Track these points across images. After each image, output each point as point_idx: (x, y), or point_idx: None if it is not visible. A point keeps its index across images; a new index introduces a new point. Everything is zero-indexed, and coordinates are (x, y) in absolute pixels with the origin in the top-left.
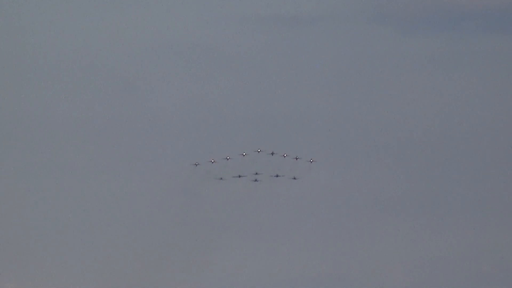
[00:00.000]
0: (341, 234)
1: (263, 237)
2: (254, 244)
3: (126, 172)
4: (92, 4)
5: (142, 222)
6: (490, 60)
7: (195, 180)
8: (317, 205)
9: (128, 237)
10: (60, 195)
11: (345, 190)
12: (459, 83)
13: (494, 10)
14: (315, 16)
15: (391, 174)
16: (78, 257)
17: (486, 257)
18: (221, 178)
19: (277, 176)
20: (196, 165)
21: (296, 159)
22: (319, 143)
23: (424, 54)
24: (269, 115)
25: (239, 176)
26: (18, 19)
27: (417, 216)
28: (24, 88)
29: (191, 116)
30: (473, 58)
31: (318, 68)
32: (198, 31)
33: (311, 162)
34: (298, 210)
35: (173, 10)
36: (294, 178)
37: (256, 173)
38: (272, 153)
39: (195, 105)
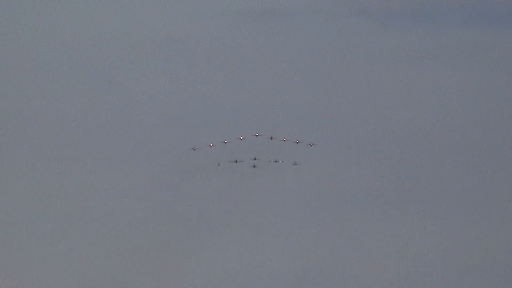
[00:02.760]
0: (343, 224)
1: (261, 228)
2: (251, 235)
3: (123, 159)
4: (74, 1)
5: (139, 209)
6: (472, 53)
7: (193, 165)
8: (318, 192)
9: (122, 227)
10: (47, 188)
11: (346, 176)
12: (442, 76)
13: (475, 4)
14: (296, 10)
15: (392, 161)
16: (68, 252)
17: (479, 254)
18: (219, 164)
19: (276, 161)
20: (195, 149)
21: (297, 143)
22: (314, 128)
23: (406, 47)
24: (262, 101)
25: (236, 162)
26: None
27: (417, 203)
28: (8, 86)
29: (187, 101)
30: (455, 52)
31: (302, 61)
32: (185, 25)
33: (311, 145)
34: (298, 197)
35: (158, 5)
36: (295, 164)
37: (255, 158)
38: (271, 138)
39: (190, 92)
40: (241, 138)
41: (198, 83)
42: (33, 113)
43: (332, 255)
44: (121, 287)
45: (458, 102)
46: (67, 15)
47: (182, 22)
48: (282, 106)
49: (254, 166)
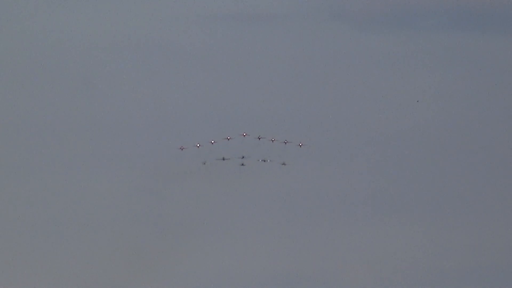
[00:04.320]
0: (331, 224)
1: (248, 227)
2: (238, 234)
3: (110, 160)
4: (49, 4)
5: (126, 208)
6: (447, 57)
7: (181, 165)
8: (307, 192)
9: (109, 227)
10: (31, 192)
11: (335, 177)
12: (421, 79)
13: (451, 7)
14: (273, 14)
15: (380, 162)
16: (54, 253)
17: (464, 255)
18: (205, 163)
19: (264, 161)
20: (182, 149)
21: (285, 143)
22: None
23: (381, 51)
24: (248, 102)
25: (224, 159)
26: None
27: (406, 204)
28: None
29: (175, 102)
30: (433, 55)
31: (285, 63)
32: (171, 28)
33: (300, 146)
34: (287, 197)
35: (137, 8)
36: (283, 164)
37: (243, 157)
38: (259, 138)
39: (178, 93)
40: (229, 138)
41: (185, 84)
42: (16, 116)
43: (320, 256)
44: None
45: (437, 104)
46: (51, 19)
47: (169, 26)
48: (268, 107)
49: (242, 165)
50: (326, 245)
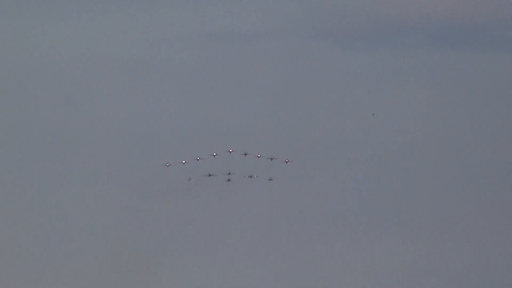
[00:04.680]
0: (321, 243)
1: (234, 245)
2: (225, 253)
3: (96, 177)
4: (33, 21)
5: (111, 225)
6: (430, 74)
7: (166, 182)
8: (294, 208)
9: (94, 244)
10: (12, 209)
11: (321, 193)
12: (401, 98)
13: (434, 26)
14: (255, 32)
15: (367, 177)
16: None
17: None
18: (190, 179)
19: (251, 176)
20: (167, 166)
21: (271, 159)
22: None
23: (365, 68)
24: (234, 119)
25: (210, 175)
26: None
27: (390, 219)
28: None
29: (159, 119)
30: (414, 73)
31: (269, 81)
32: (155, 46)
33: (286, 162)
34: (273, 213)
35: (120, 26)
36: (270, 179)
37: (229, 173)
38: (245, 154)
39: (162, 109)
40: (214, 154)
41: (171, 101)
42: None
43: (306, 272)
44: None
45: (418, 122)
46: (35, 36)
47: (154, 44)
48: (254, 123)
49: (229, 180)
50: (313, 261)
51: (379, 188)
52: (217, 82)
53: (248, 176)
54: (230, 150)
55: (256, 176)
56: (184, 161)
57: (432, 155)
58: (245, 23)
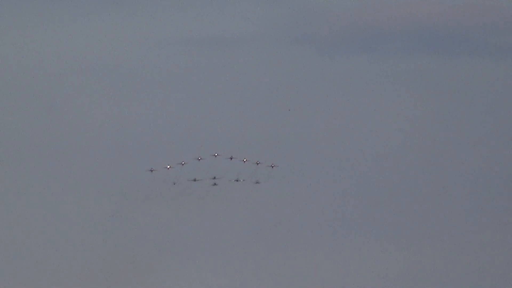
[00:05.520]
0: (307, 246)
1: (220, 249)
2: (212, 257)
3: (81, 183)
4: (15, 28)
5: (97, 229)
6: (413, 79)
7: (151, 187)
8: (280, 212)
9: (81, 249)
10: (1, 211)
11: (308, 198)
12: (383, 102)
13: (414, 31)
14: (239, 37)
15: (352, 181)
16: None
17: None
18: (175, 183)
19: (237, 180)
20: (152, 171)
21: (257, 164)
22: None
23: (349, 74)
24: (219, 123)
25: (195, 180)
26: None
27: (375, 222)
28: None
29: (143, 124)
30: (397, 78)
31: (253, 86)
32: (139, 52)
33: (272, 167)
34: (260, 217)
35: (104, 31)
36: (257, 183)
37: (214, 177)
38: (231, 158)
39: (146, 114)
40: (199, 158)
41: (155, 106)
42: None
43: (293, 274)
44: None
45: (402, 126)
46: (16, 44)
47: (138, 50)
48: (239, 128)
49: (215, 184)
50: (299, 263)
51: (364, 191)
52: (202, 87)
53: (235, 180)
54: (215, 154)
55: (243, 180)
56: (168, 166)
57: (416, 158)
58: (230, 29)
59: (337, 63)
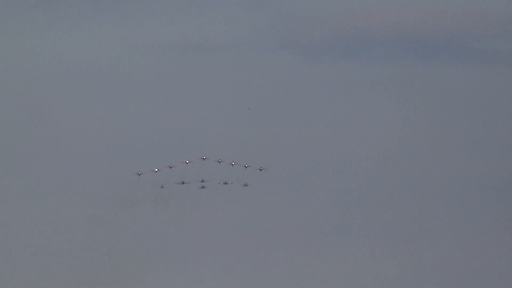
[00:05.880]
0: (296, 250)
1: (209, 253)
2: (200, 261)
3: (67, 187)
4: (3, 29)
5: (85, 234)
6: (396, 85)
7: (138, 190)
8: (268, 215)
9: (69, 254)
10: None
11: (297, 201)
12: (367, 107)
13: (400, 36)
14: (225, 43)
15: (340, 184)
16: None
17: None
18: (162, 186)
19: (225, 183)
20: (139, 174)
21: (246, 167)
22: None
23: (332, 79)
24: (206, 127)
25: (183, 183)
26: None
27: (364, 227)
28: None
29: (130, 126)
30: (380, 84)
31: (237, 91)
32: (127, 56)
33: (261, 170)
34: (248, 221)
35: (92, 36)
36: (245, 185)
37: (202, 181)
38: (219, 161)
39: (134, 117)
40: (187, 162)
41: (142, 109)
42: None
43: (282, 278)
44: None
45: (384, 132)
46: (7, 47)
47: (125, 54)
48: (227, 131)
49: (203, 187)
50: (288, 266)
51: (353, 194)
52: (189, 91)
53: (223, 183)
54: (204, 157)
55: (231, 183)
56: (156, 169)
57: (401, 160)
58: (215, 34)
59: (323, 68)
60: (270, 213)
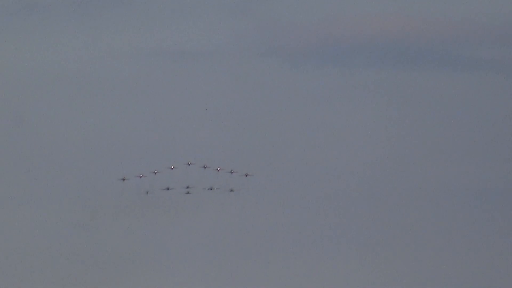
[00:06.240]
0: (282, 256)
1: (195, 259)
2: (185, 266)
3: (51, 193)
4: None
5: (69, 239)
6: (380, 92)
7: (123, 196)
8: (254, 221)
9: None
10: None
11: (282, 208)
12: (351, 115)
13: (382, 44)
14: (206, 50)
15: (325, 191)
16: None
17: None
18: (147, 192)
19: (211, 189)
20: (124, 180)
21: (231, 172)
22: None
23: (316, 86)
24: (191, 132)
25: (168, 189)
26: None
27: (348, 233)
28: None
29: (115, 132)
30: (364, 92)
31: (221, 97)
32: (112, 62)
33: (246, 176)
34: (234, 227)
35: (73, 44)
36: (231, 190)
37: (188, 187)
38: (205, 167)
39: (118, 122)
40: (172, 167)
41: (126, 114)
42: None
43: (267, 283)
44: None
45: (368, 138)
46: None
47: (108, 60)
48: (212, 137)
49: (188, 193)
50: (274, 272)
51: (338, 200)
52: (174, 97)
53: (209, 189)
54: (189, 163)
55: (217, 189)
56: (141, 175)
57: (385, 168)
58: (198, 41)
59: (307, 74)
60: (256, 218)
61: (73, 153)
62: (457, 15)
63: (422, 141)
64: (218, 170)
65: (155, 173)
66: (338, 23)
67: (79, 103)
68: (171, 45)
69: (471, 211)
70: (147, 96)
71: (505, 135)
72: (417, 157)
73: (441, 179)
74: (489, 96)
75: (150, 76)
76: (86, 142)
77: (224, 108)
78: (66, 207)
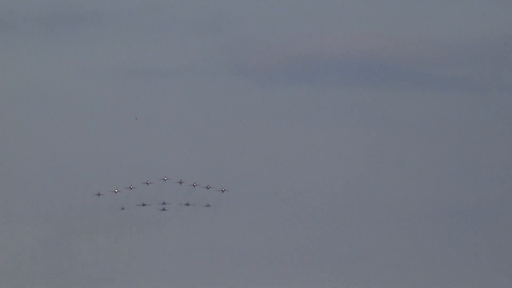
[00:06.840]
0: (260, 271)
1: (170, 276)
2: (162, 284)
3: (24, 207)
4: None
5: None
6: (350, 110)
7: (97, 212)
8: (231, 237)
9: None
10: None
11: (259, 224)
12: (319, 133)
13: (352, 62)
14: (173, 68)
15: (301, 206)
16: None
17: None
18: (123, 208)
19: (187, 204)
20: (99, 195)
21: (208, 188)
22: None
23: (284, 104)
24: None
25: (144, 205)
26: None
27: (326, 249)
28: None
29: (89, 147)
30: (333, 110)
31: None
32: (80, 80)
33: (223, 191)
34: (210, 243)
35: (40, 62)
36: (208, 206)
37: (164, 203)
38: (181, 182)
39: (92, 137)
40: (148, 182)
41: (101, 129)
42: None
43: None
44: None
45: (338, 155)
46: None
47: (86, 78)
48: (187, 153)
49: (164, 209)
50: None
51: (313, 216)
52: (146, 114)
53: (185, 204)
54: (165, 178)
55: (193, 204)
56: (116, 190)
57: (354, 184)
58: (165, 59)
59: (275, 92)
60: (232, 234)
61: (47, 167)
62: (427, 33)
63: (393, 159)
64: (194, 185)
65: (131, 188)
66: (307, 41)
67: (51, 120)
68: (138, 64)
69: (444, 232)
70: (121, 112)
71: (476, 151)
72: (387, 175)
73: (412, 197)
74: (462, 114)
75: (120, 94)
76: (61, 158)
77: (199, 125)
78: (39, 223)
